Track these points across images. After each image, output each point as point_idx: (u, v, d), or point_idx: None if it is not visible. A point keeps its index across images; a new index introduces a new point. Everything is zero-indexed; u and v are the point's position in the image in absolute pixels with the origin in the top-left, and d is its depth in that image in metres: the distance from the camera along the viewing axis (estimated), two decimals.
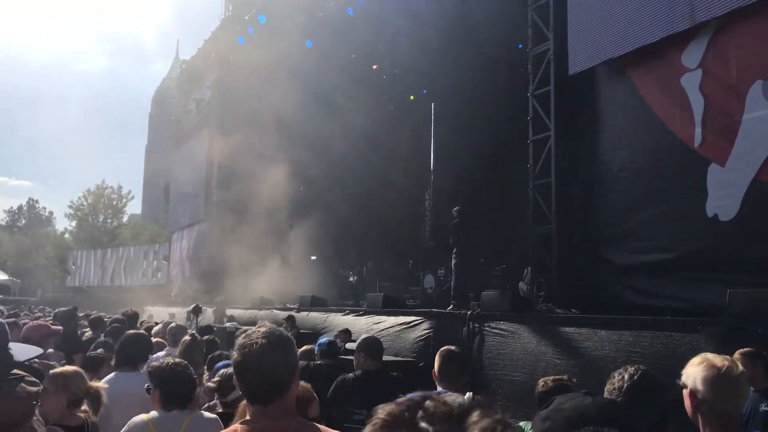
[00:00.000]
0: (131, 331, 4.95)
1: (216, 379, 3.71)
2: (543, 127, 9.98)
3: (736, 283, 6.67)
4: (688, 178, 7.89)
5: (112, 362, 4.49)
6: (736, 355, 4.47)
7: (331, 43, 18.06)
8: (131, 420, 3.09)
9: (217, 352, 5.23)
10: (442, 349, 3.86)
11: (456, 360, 3.78)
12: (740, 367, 2.27)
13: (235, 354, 1.94)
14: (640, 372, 2.35)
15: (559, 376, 3.48)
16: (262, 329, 1.95)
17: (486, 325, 8.15)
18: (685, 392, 2.26)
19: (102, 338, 6.77)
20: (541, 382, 3.44)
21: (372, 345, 4.84)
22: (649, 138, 8.50)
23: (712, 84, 7.73)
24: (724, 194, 7.46)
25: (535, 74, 10.25)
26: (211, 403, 3.96)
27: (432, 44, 14.95)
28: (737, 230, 7.29)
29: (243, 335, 1.97)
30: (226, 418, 3.30)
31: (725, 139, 7.48)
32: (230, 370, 3.73)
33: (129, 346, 4.37)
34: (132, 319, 8.01)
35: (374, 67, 18.10)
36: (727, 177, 7.45)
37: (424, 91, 18.55)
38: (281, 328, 2.05)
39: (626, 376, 2.35)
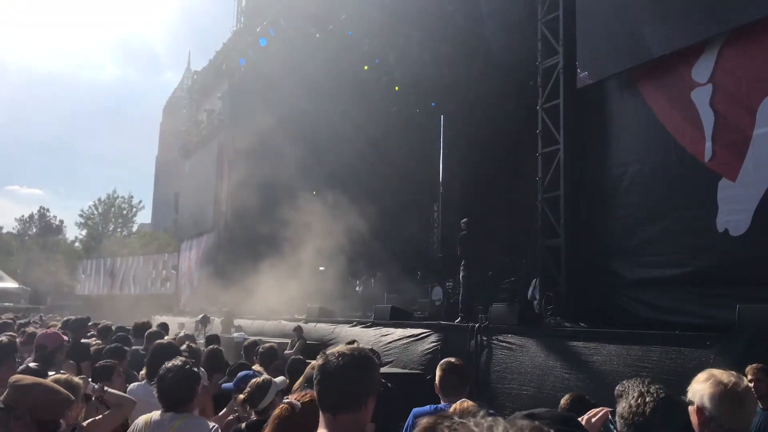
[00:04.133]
0: (161, 341, 4.96)
1: (247, 390, 3.77)
2: (552, 140, 9.98)
3: (747, 299, 6.62)
4: (698, 193, 7.86)
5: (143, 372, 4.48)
6: (747, 370, 4.45)
7: (341, 55, 18.15)
8: (137, 420, 3.30)
9: (238, 362, 5.29)
10: (443, 361, 3.89)
11: (456, 371, 3.79)
12: (746, 383, 2.26)
13: (319, 359, 2.04)
14: (661, 395, 2.26)
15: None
16: (352, 347, 2.09)
17: (494, 338, 8.13)
18: (692, 409, 2.24)
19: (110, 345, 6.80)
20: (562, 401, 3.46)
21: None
22: (659, 152, 8.48)
23: (723, 99, 7.71)
24: (734, 209, 7.42)
25: (544, 87, 10.26)
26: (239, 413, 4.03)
27: (442, 57, 15.02)
28: (748, 245, 7.25)
29: (331, 347, 2.13)
30: (259, 426, 3.37)
31: (736, 154, 7.46)
32: (260, 380, 3.80)
33: (160, 357, 4.37)
34: (141, 329, 8.01)
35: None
36: (738, 192, 7.41)
37: (432, 104, 18.60)
38: (367, 349, 2.14)
39: (648, 399, 2.25)
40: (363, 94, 18.48)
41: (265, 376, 3.97)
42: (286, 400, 2.49)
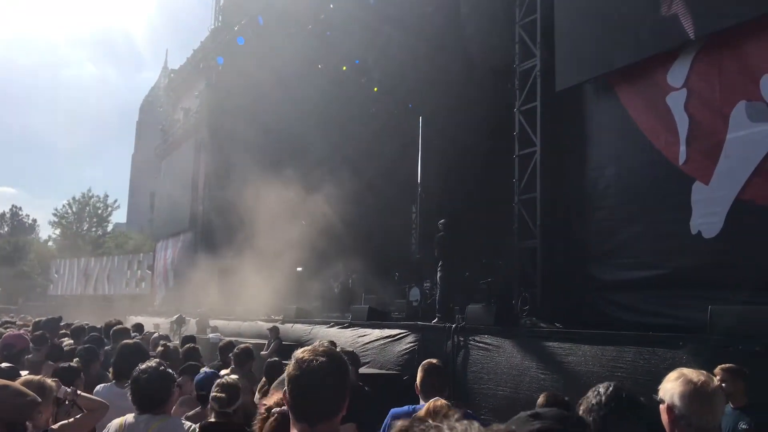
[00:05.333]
0: (128, 341, 4.88)
1: (217, 389, 3.69)
2: (529, 142, 10.05)
3: (719, 300, 6.73)
4: (672, 196, 7.97)
5: (111, 373, 4.40)
6: (717, 370, 4.51)
7: (320, 55, 18.10)
8: (110, 423, 3.24)
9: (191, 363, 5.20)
10: (424, 362, 3.93)
11: (437, 373, 3.84)
12: (716, 382, 2.29)
13: (291, 367, 1.91)
14: (613, 386, 2.31)
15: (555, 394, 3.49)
16: (322, 348, 1.93)
17: (470, 338, 8.15)
18: (662, 407, 2.27)
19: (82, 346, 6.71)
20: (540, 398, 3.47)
21: (354, 360, 4.89)
22: (635, 155, 8.58)
23: (697, 103, 7.83)
24: (707, 212, 7.54)
25: (522, 90, 10.34)
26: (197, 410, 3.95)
27: (421, 57, 15.03)
28: (720, 248, 7.36)
29: (302, 350, 1.94)
30: (224, 428, 3.32)
31: (709, 158, 7.57)
32: (230, 380, 3.73)
33: (126, 357, 4.30)
34: (114, 329, 7.91)
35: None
36: (711, 195, 7.53)
37: (410, 105, 18.61)
38: (338, 350, 2.03)
39: (602, 391, 2.30)
40: (342, 95, 18.43)
41: (234, 377, 3.91)
42: (276, 409, 2.41)
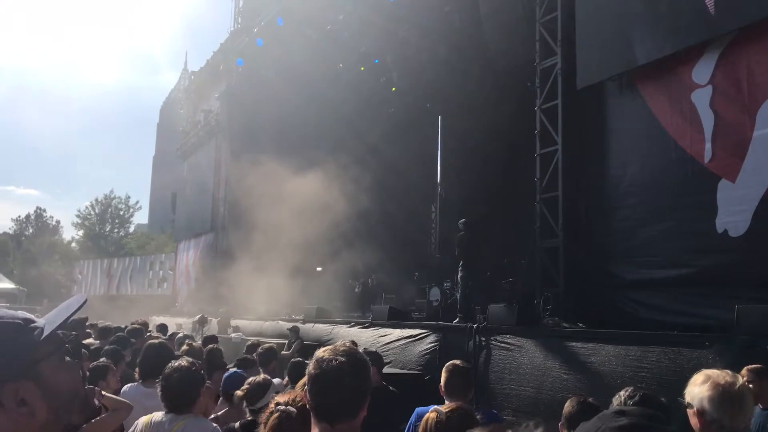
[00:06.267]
0: (153, 341, 4.91)
1: (245, 387, 3.76)
2: (550, 141, 9.99)
3: (746, 299, 6.64)
4: (697, 194, 7.88)
5: (136, 373, 4.45)
6: (744, 371, 4.45)
7: (339, 56, 18.14)
8: (138, 421, 3.29)
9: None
10: (449, 363, 3.94)
11: (462, 374, 3.86)
12: (743, 382, 2.26)
13: (311, 366, 1.91)
14: (640, 391, 2.32)
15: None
16: (342, 348, 1.94)
17: (492, 338, 8.12)
18: (691, 412, 2.25)
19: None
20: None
21: (376, 359, 4.92)
22: (659, 153, 8.49)
23: (723, 101, 7.73)
24: (734, 210, 7.44)
25: (542, 88, 10.28)
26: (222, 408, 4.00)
27: (440, 57, 15.01)
28: (747, 246, 7.27)
29: (322, 349, 1.95)
30: (253, 425, 3.35)
31: (736, 156, 7.48)
32: (259, 378, 3.78)
33: (152, 358, 4.33)
34: (141, 329, 7.99)
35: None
36: (738, 193, 7.43)
37: (428, 105, 18.59)
38: (361, 350, 2.03)
39: (625, 395, 2.31)
40: (360, 95, 18.47)
41: (264, 376, 3.95)
42: (280, 407, 2.43)
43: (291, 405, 2.38)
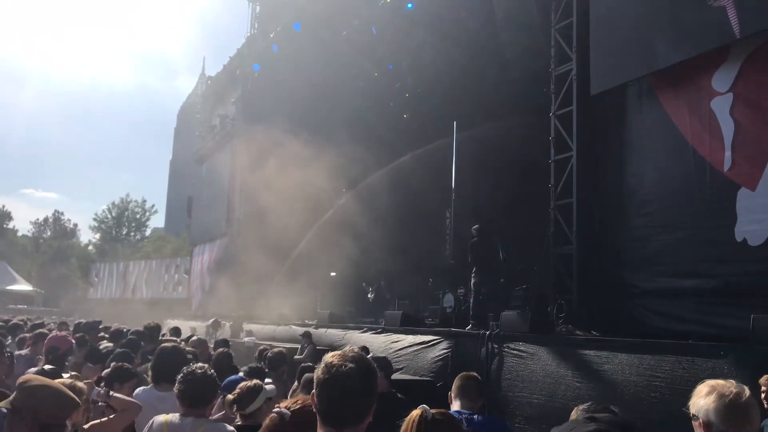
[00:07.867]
0: (167, 345, 4.92)
1: (236, 391, 3.77)
2: (565, 147, 9.94)
3: (763, 309, 6.54)
4: (717, 202, 7.79)
5: (148, 378, 4.48)
6: (762, 380, 4.39)
7: (354, 60, 18.18)
8: (154, 418, 3.29)
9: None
10: (461, 374, 4.04)
11: (471, 383, 3.95)
12: (747, 392, 2.24)
13: (319, 371, 1.93)
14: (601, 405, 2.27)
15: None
16: (351, 354, 1.95)
17: (505, 345, 8.07)
18: (696, 424, 2.23)
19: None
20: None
21: (385, 365, 4.96)
22: (677, 161, 8.41)
23: (744, 108, 7.65)
24: (754, 219, 7.35)
25: (557, 94, 10.24)
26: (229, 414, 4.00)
27: (455, 63, 14.99)
28: (766, 255, 7.17)
29: (331, 355, 1.96)
30: (245, 430, 3.36)
31: (756, 164, 7.39)
32: (251, 383, 3.79)
33: (165, 361, 4.35)
34: (154, 331, 8.04)
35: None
36: (758, 201, 7.34)
37: (444, 110, 18.56)
38: (369, 356, 2.05)
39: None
40: (376, 101, 18.49)
41: (256, 381, 3.95)
42: (276, 409, 2.45)
43: (288, 409, 2.40)
